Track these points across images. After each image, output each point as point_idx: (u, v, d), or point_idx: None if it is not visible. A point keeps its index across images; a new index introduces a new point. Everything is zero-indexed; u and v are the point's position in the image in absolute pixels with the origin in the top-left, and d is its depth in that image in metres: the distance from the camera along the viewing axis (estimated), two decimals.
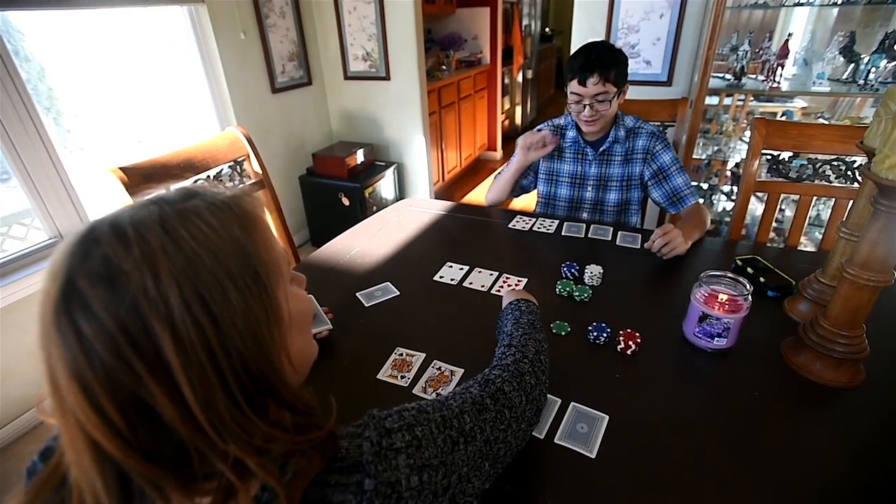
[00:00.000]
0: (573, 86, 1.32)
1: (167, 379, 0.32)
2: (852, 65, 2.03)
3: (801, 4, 1.97)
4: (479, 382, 0.58)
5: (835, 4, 1.92)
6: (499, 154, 4.76)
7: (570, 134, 1.48)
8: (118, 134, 2.17)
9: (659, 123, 1.70)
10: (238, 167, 1.40)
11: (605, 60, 1.27)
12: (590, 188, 1.51)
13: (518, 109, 5.24)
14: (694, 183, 2.48)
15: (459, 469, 0.45)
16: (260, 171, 1.43)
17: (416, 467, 0.41)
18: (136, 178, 1.12)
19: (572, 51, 2.45)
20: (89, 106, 2.06)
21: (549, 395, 0.79)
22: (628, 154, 1.45)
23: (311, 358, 0.49)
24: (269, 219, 1.47)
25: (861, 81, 2.00)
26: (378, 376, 0.86)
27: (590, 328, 0.93)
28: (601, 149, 1.44)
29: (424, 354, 0.90)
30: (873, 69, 1.97)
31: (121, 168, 1.10)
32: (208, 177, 1.31)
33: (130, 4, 2.03)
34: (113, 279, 0.33)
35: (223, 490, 0.35)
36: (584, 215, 1.54)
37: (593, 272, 1.10)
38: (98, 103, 2.08)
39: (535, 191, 1.61)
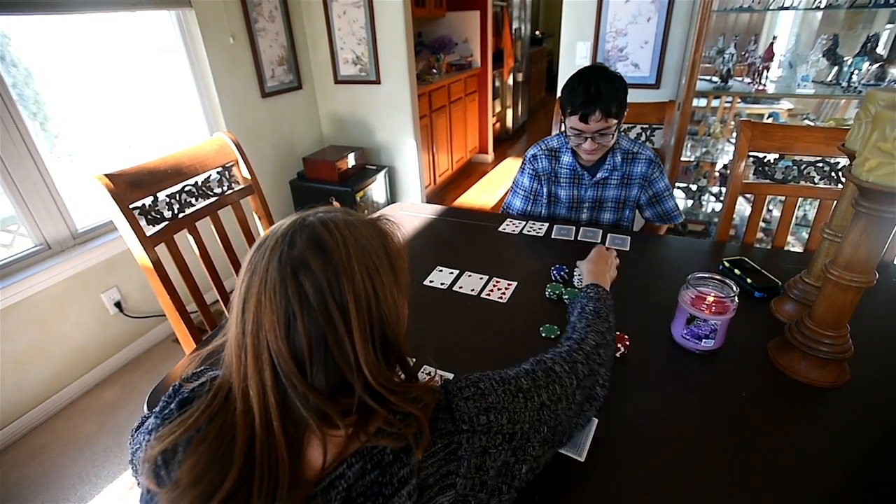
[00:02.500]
0: (573, 121, 1.28)
1: (347, 324, 0.45)
2: (836, 67, 2.07)
3: (786, 8, 2.00)
4: (530, 361, 0.64)
5: (818, 8, 1.94)
6: (490, 157, 4.78)
7: (566, 159, 1.45)
8: (107, 139, 2.15)
9: (647, 126, 1.72)
10: (226, 173, 1.39)
11: (605, 94, 1.22)
12: (585, 210, 1.51)
13: (509, 112, 5.26)
14: (682, 184, 2.52)
15: (521, 421, 0.53)
16: (248, 177, 1.43)
17: (482, 408, 0.51)
18: (123, 185, 1.11)
19: (562, 54, 2.51)
20: (77, 111, 2.03)
21: None
22: (625, 178, 1.44)
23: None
24: (259, 225, 1.47)
25: (844, 84, 2.03)
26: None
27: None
28: (598, 176, 1.43)
29: (414, 360, 0.90)
30: (856, 71, 2.00)
31: (106, 175, 1.09)
32: (196, 183, 1.30)
33: (118, 9, 2.01)
34: (325, 249, 0.46)
35: (365, 414, 0.47)
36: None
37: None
38: (86, 108, 2.06)
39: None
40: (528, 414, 0.54)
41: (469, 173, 4.46)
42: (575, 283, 1.12)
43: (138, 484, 0.51)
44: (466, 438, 0.48)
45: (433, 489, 0.45)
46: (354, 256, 0.46)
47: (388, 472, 0.45)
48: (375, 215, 0.56)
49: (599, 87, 1.22)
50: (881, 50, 2.06)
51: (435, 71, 3.85)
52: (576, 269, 1.11)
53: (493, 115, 4.75)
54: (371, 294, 0.47)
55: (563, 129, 1.38)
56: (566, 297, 1.06)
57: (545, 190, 1.52)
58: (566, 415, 0.60)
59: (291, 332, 0.44)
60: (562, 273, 1.14)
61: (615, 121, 1.26)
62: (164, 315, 1.86)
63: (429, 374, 0.86)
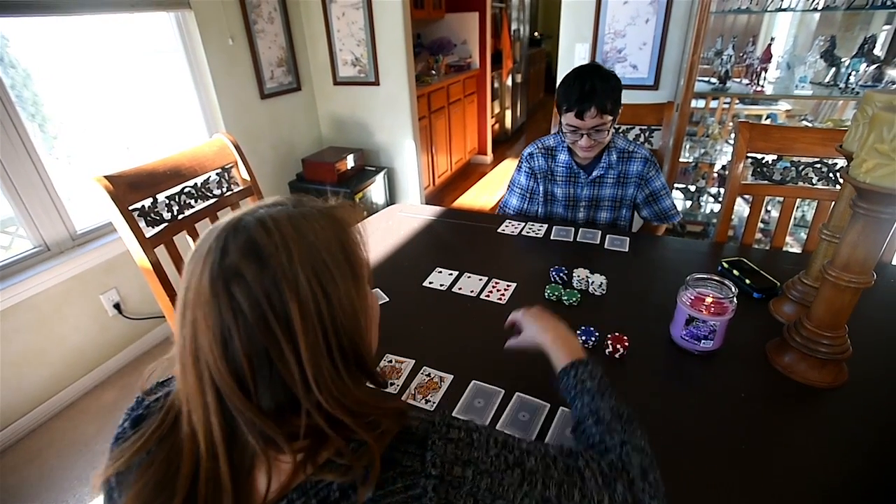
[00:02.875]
0: (569, 118, 1.29)
1: (291, 338, 0.40)
2: (833, 69, 2.07)
3: (784, 10, 2.00)
4: (559, 447, 0.53)
5: (815, 10, 1.95)
6: (489, 158, 4.78)
7: (562, 157, 1.46)
8: (106, 140, 2.15)
9: (646, 127, 1.72)
10: (226, 174, 1.39)
11: (600, 91, 1.24)
12: (582, 209, 1.52)
13: (508, 113, 5.27)
14: (681, 185, 2.53)
15: (505, 497, 0.45)
16: (248, 178, 1.43)
17: (461, 459, 0.45)
18: (122, 186, 1.11)
19: (560, 56, 2.51)
20: (76, 112, 2.03)
21: (537, 400, 0.80)
22: (621, 177, 1.45)
23: (376, 348, 0.55)
24: None
25: (842, 85, 2.04)
26: (368, 384, 0.85)
27: (578, 332, 0.94)
28: (593, 174, 1.45)
29: (413, 361, 0.90)
30: (853, 73, 2.01)
31: (106, 176, 1.09)
32: (195, 184, 1.30)
33: (117, 11, 2.01)
34: (260, 256, 0.41)
35: (317, 439, 0.42)
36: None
37: (581, 276, 1.11)
38: (85, 110, 2.06)
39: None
40: (519, 498, 0.46)
41: (468, 174, 4.46)
42: (574, 285, 1.12)
43: None
44: (433, 485, 0.42)
45: None
46: (298, 259, 0.41)
47: None
48: (332, 202, 0.49)
49: (595, 85, 1.24)
50: (878, 51, 2.07)
51: (434, 72, 3.85)
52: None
53: (492, 117, 4.75)
54: (322, 300, 0.41)
55: (560, 128, 1.39)
56: (565, 298, 1.06)
57: (541, 188, 1.53)
58: None
59: (229, 350, 0.39)
60: (561, 274, 1.14)
61: (610, 117, 1.29)
62: (164, 316, 1.86)
63: (428, 375, 0.87)
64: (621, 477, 0.53)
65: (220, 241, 0.42)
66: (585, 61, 2.47)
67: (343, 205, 0.50)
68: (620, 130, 1.73)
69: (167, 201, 1.24)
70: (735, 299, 0.86)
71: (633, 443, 0.57)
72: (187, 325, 0.41)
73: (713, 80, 2.28)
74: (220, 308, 0.39)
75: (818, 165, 1.28)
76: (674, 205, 1.50)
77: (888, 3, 1.82)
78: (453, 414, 0.77)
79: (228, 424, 0.41)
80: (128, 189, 1.13)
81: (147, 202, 1.18)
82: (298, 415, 0.41)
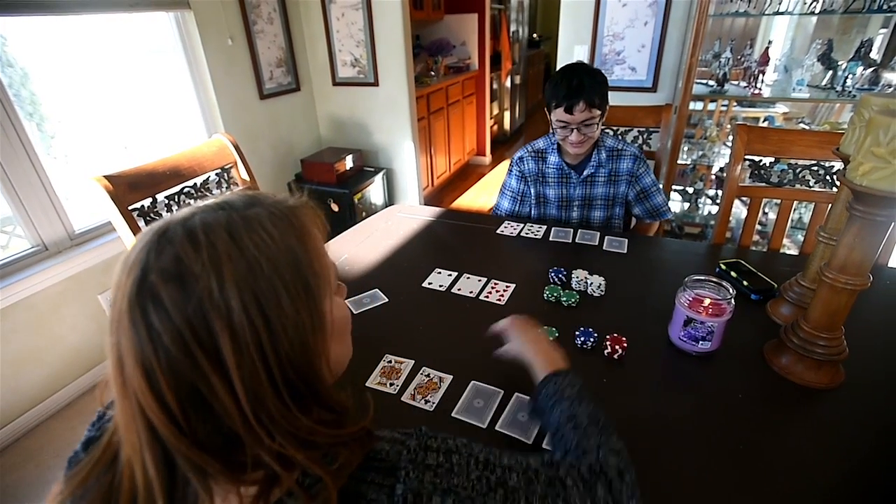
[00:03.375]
0: (559, 113, 1.33)
1: (223, 373, 0.35)
2: (830, 72, 2.09)
3: (781, 13, 2.01)
4: (540, 458, 0.52)
5: (813, 13, 1.96)
6: (488, 159, 4.79)
7: (553, 159, 1.48)
8: (104, 140, 2.14)
9: (644, 129, 1.73)
10: (225, 174, 1.40)
11: (588, 86, 1.28)
12: (575, 208, 1.53)
13: (507, 114, 5.27)
14: (679, 187, 2.54)
15: None
16: (248, 178, 1.43)
17: (440, 488, 0.41)
18: (122, 186, 1.11)
19: (559, 57, 2.52)
20: (74, 111, 2.03)
21: None
22: (612, 175, 1.48)
23: (347, 360, 0.51)
24: None
25: (839, 88, 2.05)
26: (367, 384, 0.86)
27: (577, 333, 0.94)
28: (584, 173, 1.46)
29: (413, 361, 0.90)
30: (850, 76, 2.02)
31: (105, 176, 1.09)
32: (195, 184, 1.30)
33: (116, 10, 2.01)
34: (183, 279, 0.35)
35: (268, 478, 0.37)
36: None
37: (580, 277, 1.11)
38: (83, 109, 2.05)
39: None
40: None
41: (467, 175, 4.47)
42: (573, 286, 1.12)
43: None
44: None
45: None
46: (232, 281, 0.35)
47: None
48: (290, 202, 0.44)
49: (582, 80, 1.28)
50: (875, 55, 2.09)
51: (433, 73, 3.86)
52: (554, 291, 1.07)
53: (491, 118, 4.76)
54: (262, 328, 0.36)
55: (550, 125, 1.41)
56: (564, 299, 1.06)
57: (533, 191, 1.54)
58: None
59: (153, 382, 0.35)
60: (560, 275, 1.14)
61: (598, 112, 1.32)
62: None
63: (427, 375, 0.87)
64: (601, 480, 0.52)
65: (143, 254, 0.37)
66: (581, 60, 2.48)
67: (303, 205, 0.45)
68: (618, 132, 1.74)
69: (167, 201, 1.24)
70: (733, 301, 0.87)
71: (610, 445, 0.57)
72: (113, 349, 0.36)
73: (711, 82, 2.29)
74: (139, 337, 0.35)
75: (815, 168, 1.29)
76: (665, 201, 1.52)
77: (885, 6, 1.83)
78: (452, 414, 0.78)
79: (166, 457, 0.36)
80: (127, 189, 1.13)
81: (146, 202, 1.19)
82: (244, 449, 0.37)
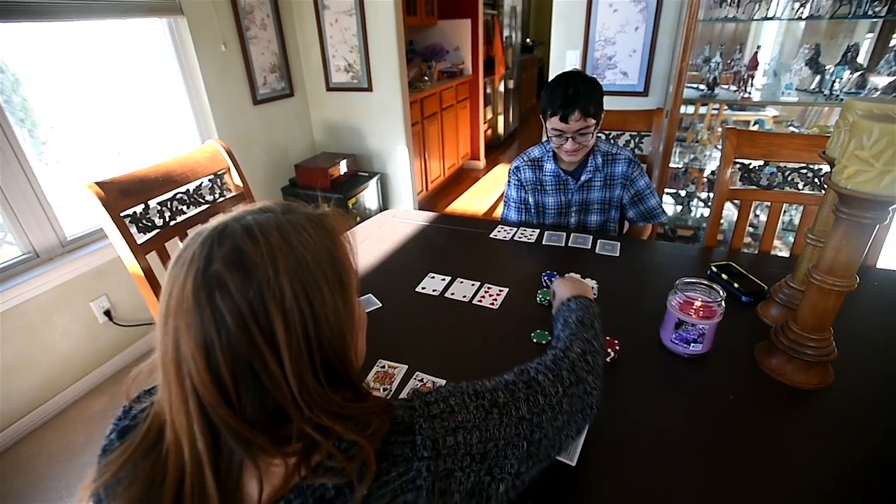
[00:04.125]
0: (554, 122, 1.33)
1: (275, 351, 0.40)
2: (818, 76, 2.11)
3: (770, 18, 2.04)
4: (514, 371, 0.60)
5: (801, 18, 1.99)
6: (482, 163, 4.80)
7: (549, 167, 1.49)
8: (96, 146, 2.13)
9: (636, 133, 1.74)
10: (218, 180, 1.39)
11: (584, 95, 1.28)
12: (573, 214, 1.54)
13: (500, 119, 5.30)
14: (671, 190, 2.56)
15: (495, 438, 0.49)
16: (240, 184, 1.43)
17: (450, 428, 0.46)
18: (113, 193, 1.11)
19: (552, 62, 2.54)
20: (66, 118, 2.02)
21: None
22: (608, 179, 1.49)
23: (364, 354, 0.56)
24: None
25: (826, 92, 2.08)
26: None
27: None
28: (581, 179, 1.47)
29: (406, 366, 0.90)
30: (837, 80, 2.05)
31: (97, 183, 1.09)
32: (188, 191, 1.30)
33: (108, 17, 2.01)
34: (245, 266, 0.40)
35: (307, 446, 0.42)
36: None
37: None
38: (75, 115, 2.05)
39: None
40: (503, 430, 0.50)
41: (461, 180, 4.48)
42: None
43: None
44: (427, 465, 0.43)
45: None
46: (285, 271, 0.40)
47: None
48: (321, 210, 0.49)
49: (578, 89, 1.29)
50: (861, 59, 2.12)
51: (427, 78, 3.88)
52: (547, 294, 1.10)
53: (485, 122, 4.78)
54: (308, 314, 0.41)
55: (546, 133, 1.42)
56: None
57: (532, 200, 1.55)
58: (552, 426, 0.55)
59: (212, 360, 0.39)
60: (553, 279, 1.15)
61: (594, 121, 1.33)
62: (155, 323, 1.84)
63: (421, 380, 0.87)
64: (563, 364, 0.62)
65: (204, 248, 0.41)
66: (577, 68, 2.50)
67: (333, 212, 0.50)
68: (611, 136, 1.75)
69: (159, 207, 1.24)
70: (723, 303, 0.88)
71: (581, 335, 0.69)
72: (169, 334, 0.40)
73: (702, 86, 2.31)
74: (203, 318, 0.39)
75: (804, 171, 1.31)
76: (659, 204, 1.53)
77: (870, 12, 1.87)
78: None
79: (213, 433, 0.40)
80: (119, 195, 1.12)
81: (139, 208, 1.18)
82: (287, 423, 0.41)
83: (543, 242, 1.39)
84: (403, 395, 0.84)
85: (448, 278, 1.20)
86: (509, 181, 1.58)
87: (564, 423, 0.58)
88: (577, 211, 1.53)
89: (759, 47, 2.33)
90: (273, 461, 0.42)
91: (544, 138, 1.61)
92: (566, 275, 0.99)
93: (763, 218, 2.42)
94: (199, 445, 0.40)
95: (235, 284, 0.39)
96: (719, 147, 2.45)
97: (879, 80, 2.01)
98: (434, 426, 0.46)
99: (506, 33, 5.08)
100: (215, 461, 0.40)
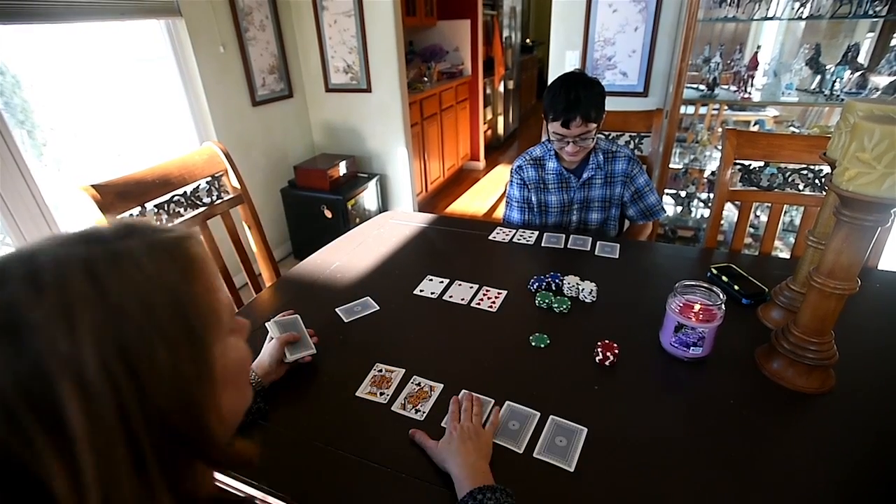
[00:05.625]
0: (556, 127, 1.34)
1: (67, 450, 0.28)
2: (818, 76, 2.11)
3: (770, 18, 2.03)
4: None
5: (801, 18, 1.98)
6: (482, 164, 4.79)
7: (551, 165, 1.49)
8: (95, 148, 2.13)
9: (635, 134, 1.73)
10: (216, 182, 1.39)
11: (584, 100, 1.28)
12: (575, 211, 1.54)
13: (500, 120, 5.29)
14: (672, 190, 2.55)
15: None
16: (238, 186, 1.42)
17: None
18: (110, 195, 1.10)
19: (552, 62, 2.53)
20: (65, 119, 2.02)
21: (528, 409, 0.79)
22: (608, 177, 1.49)
23: (245, 407, 0.45)
24: (249, 234, 1.46)
25: (827, 92, 2.07)
26: (357, 393, 0.85)
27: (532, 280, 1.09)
28: (583, 177, 1.48)
29: (404, 370, 0.90)
30: (838, 80, 2.04)
31: (93, 185, 1.08)
32: (185, 193, 1.30)
33: (107, 19, 2.01)
34: (15, 330, 0.29)
35: None
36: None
37: (572, 283, 1.11)
38: (74, 117, 2.04)
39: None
40: None
41: (461, 181, 4.47)
42: (565, 292, 1.12)
43: None
44: None
45: None
46: (89, 331, 0.30)
47: None
48: (176, 232, 0.38)
49: (579, 94, 1.29)
50: (862, 59, 2.11)
51: (426, 79, 3.87)
52: (546, 297, 1.08)
53: (485, 123, 4.78)
54: (126, 385, 0.30)
55: (548, 135, 1.42)
56: (556, 305, 1.06)
57: (535, 199, 1.55)
58: None
59: None
60: (556, 281, 1.14)
61: (594, 125, 1.33)
62: None
63: (418, 384, 0.86)
64: None
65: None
66: (578, 68, 2.49)
67: (188, 236, 0.39)
68: (610, 137, 1.75)
69: (156, 210, 1.23)
70: (723, 306, 0.87)
71: None
72: None
73: (702, 86, 2.30)
74: None
75: (804, 172, 1.30)
76: (658, 200, 1.53)
77: (871, 12, 1.86)
78: (442, 423, 0.77)
79: None
80: (116, 198, 1.12)
81: (135, 211, 1.17)
82: None
83: (542, 244, 1.38)
84: (402, 398, 0.83)
85: (446, 281, 1.20)
86: (511, 181, 1.58)
87: None
88: (579, 209, 1.54)
89: (759, 47, 2.33)
90: None
91: (544, 137, 1.61)
92: (450, 424, 0.74)
93: (763, 219, 2.41)
94: None
95: (0, 357, 0.28)
96: (719, 148, 2.44)
97: (880, 80, 2.00)
98: None
99: (505, 34, 5.07)
100: None
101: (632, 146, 1.73)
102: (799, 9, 1.94)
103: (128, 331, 0.31)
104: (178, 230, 0.39)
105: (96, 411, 0.29)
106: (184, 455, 0.34)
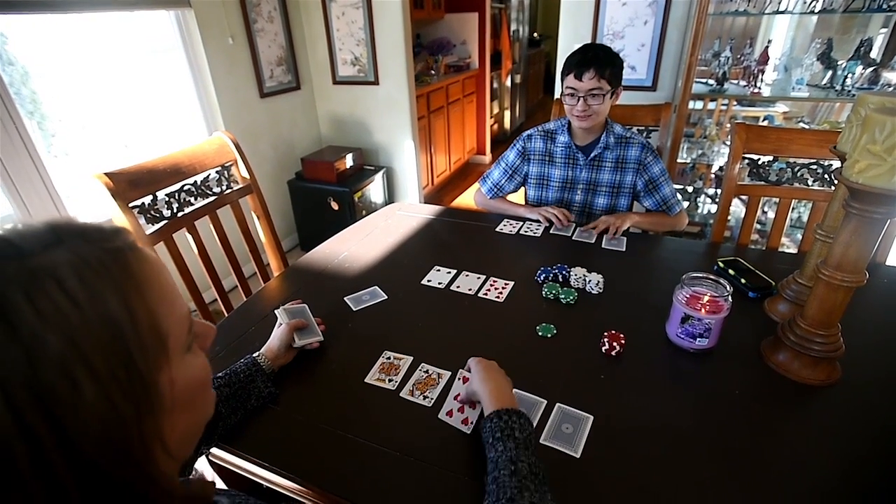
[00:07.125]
0: (569, 80, 1.35)
1: None
2: (830, 71, 2.09)
3: (781, 12, 2.02)
4: None
5: (813, 13, 1.96)
6: (488, 158, 4.79)
7: (562, 139, 1.49)
8: (105, 138, 2.15)
9: (643, 128, 1.73)
10: (225, 172, 1.40)
11: (602, 58, 1.32)
12: (579, 191, 1.53)
13: (507, 114, 5.27)
14: (679, 186, 2.54)
15: None
16: (247, 176, 1.43)
17: None
18: (122, 183, 1.11)
19: (559, 56, 2.52)
20: (75, 110, 2.03)
21: (534, 397, 0.80)
22: (619, 162, 1.47)
23: (204, 422, 0.40)
24: (257, 224, 1.47)
25: (838, 87, 2.05)
26: (366, 380, 0.86)
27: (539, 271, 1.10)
28: (592, 155, 1.47)
29: (412, 358, 0.91)
30: (850, 75, 2.02)
31: (106, 174, 1.10)
32: (195, 182, 1.31)
33: (116, 9, 2.02)
34: None
35: None
36: (573, 218, 1.55)
37: (579, 275, 1.11)
38: (84, 107, 2.06)
39: (524, 194, 1.64)
40: None
41: (467, 174, 4.47)
42: (571, 283, 1.12)
43: None
44: None
45: None
46: None
47: None
48: (118, 242, 0.32)
49: (597, 52, 1.33)
50: (874, 54, 2.09)
51: (433, 72, 3.86)
52: (553, 288, 1.09)
53: (491, 117, 4.76)
54: (45, 435, 0.25)
55: (561, 95, 1.42)
56: (563, 297, 1.07)
57: (534, 171, 1.56)
58: None
59: None
60: (563, 272, 1.15)
61: (608, 86, 1.34)
62: None
63: (426, 372, 0.87)
64: None
65: None
66: None
67: (132, 246, 0.33)
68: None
69: (167, 199, 1.24)
70: (730, 298, 0.87)
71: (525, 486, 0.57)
72: None
73: (711, 81, 2.29)
74: None
75: (813, 166, 1.29)
76: (673, 192, 1.49)
77: (885, 6, 1.84)
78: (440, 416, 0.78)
79: None
80: (128, 186, 1.13)
81: (147, 199, 1.19)
82: None
83: (551, 233, 1.39)
84: (410, 385, 0.84)
85: (454, 271, 1.20)
86: (514, 145, 1.59)
87: None
88: (584, 190, 1.52)
89: (769, 42, 2.31)
90: None
91: (552, 118, 1.61)
92: (476, 361, 0.79)
93: (770, 215, 2.40)
94: None
95: None
96: (727, 143, 2.43)
97: (893, 76, 1.98)
98: None
99: (513, 27, 5.04)
100: None
101: None
102: (811, 3, 1.92)
103: (44, 369, 0.26)
104: (118, 238, 0.33)
105: (6, 472, 0.24)
106: (121, 500, 0.29)
